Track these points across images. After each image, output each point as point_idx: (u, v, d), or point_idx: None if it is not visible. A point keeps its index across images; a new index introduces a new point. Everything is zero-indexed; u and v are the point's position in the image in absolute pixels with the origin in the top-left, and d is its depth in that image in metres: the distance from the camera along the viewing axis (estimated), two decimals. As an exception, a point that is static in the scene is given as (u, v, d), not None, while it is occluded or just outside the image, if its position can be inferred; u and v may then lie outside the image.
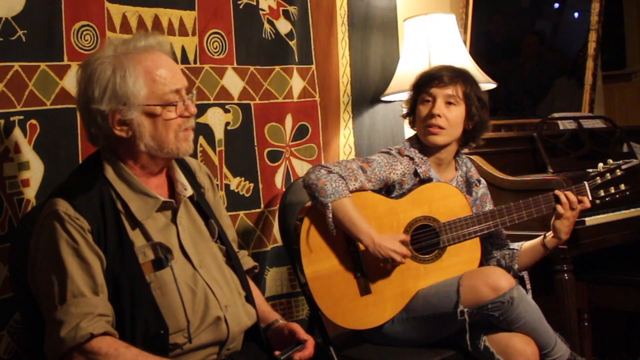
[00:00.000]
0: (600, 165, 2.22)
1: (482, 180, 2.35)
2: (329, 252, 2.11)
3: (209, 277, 1.63)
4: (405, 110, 2.36)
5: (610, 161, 2.22)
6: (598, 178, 2.20)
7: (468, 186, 2.30)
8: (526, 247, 2.26)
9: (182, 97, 1.61)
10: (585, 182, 2.19)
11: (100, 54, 1.59)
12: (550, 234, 2.20)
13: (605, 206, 2.44)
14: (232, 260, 1.75)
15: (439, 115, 2.18)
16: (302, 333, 1.72)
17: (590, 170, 2.24)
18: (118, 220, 1.55)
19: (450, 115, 2.20)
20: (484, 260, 2.27)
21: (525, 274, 2.26)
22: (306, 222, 2.12)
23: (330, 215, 2.04)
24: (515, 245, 2.29)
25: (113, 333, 1.48)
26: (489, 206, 2.31)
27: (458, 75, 2.23)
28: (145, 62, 1.58)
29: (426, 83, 2.24)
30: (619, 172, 2.19)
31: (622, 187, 2.20)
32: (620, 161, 2.21)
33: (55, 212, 1.50)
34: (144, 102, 1.56)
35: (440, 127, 2.19)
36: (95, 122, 1.56)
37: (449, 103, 2.20)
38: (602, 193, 2.20)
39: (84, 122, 1.61)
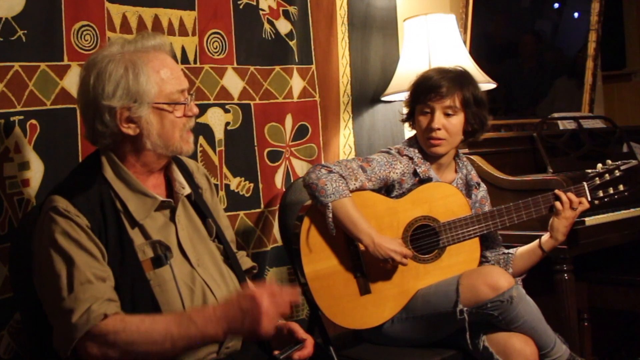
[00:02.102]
0: (599, 165, 2.22)
1: (482, 184, 2.34)
2: (328, 252, 2.12)
3: (206, 276, 1.63)
4: (405, 112, 2.36)
5: (609, 162, 2.22)
6: (597, 179, 2.20)
7: (468, 189, 2.30)
8: (522, 251, 2.25)
9: (186, 97, 1.63)
10: (585, 183, 2.19)
11: (107, 51, 1.59)
12: (546, 235, 2.20)
13: (604, 206, 2.44)
14: (230, 259, 1.75)
15: (438, 129, 2.19)
16: (301, 332, 1.71)
17: (589, 170, 2.24)
18: (118, 219, 1.55)
19: (449, 126, 2.20)
20: (479, 263, 2.26)
21: (519, 280, 2.25)
22: (306, 221, 2.12)
23: (330, 215, 2.04)
24: (510, 250, 2.28)
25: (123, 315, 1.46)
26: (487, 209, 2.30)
27: (455, 84, 2.20)
28: (155, 61, 1.59)
29: (424, 94, 2.23)
30: (617, 173, 2.19)
31: (621, 187, 2.20)
32: (619, 162, 2.21)
33: (55, 208, 1.50)
34: (154, 100, 1.57)
35: (441, 139, 2.20)
36: (102, 118, 1.56)
37: (448, 114, 2.20)
38: (601, 194, 2.20)
39: (87, 119, 1.60)
